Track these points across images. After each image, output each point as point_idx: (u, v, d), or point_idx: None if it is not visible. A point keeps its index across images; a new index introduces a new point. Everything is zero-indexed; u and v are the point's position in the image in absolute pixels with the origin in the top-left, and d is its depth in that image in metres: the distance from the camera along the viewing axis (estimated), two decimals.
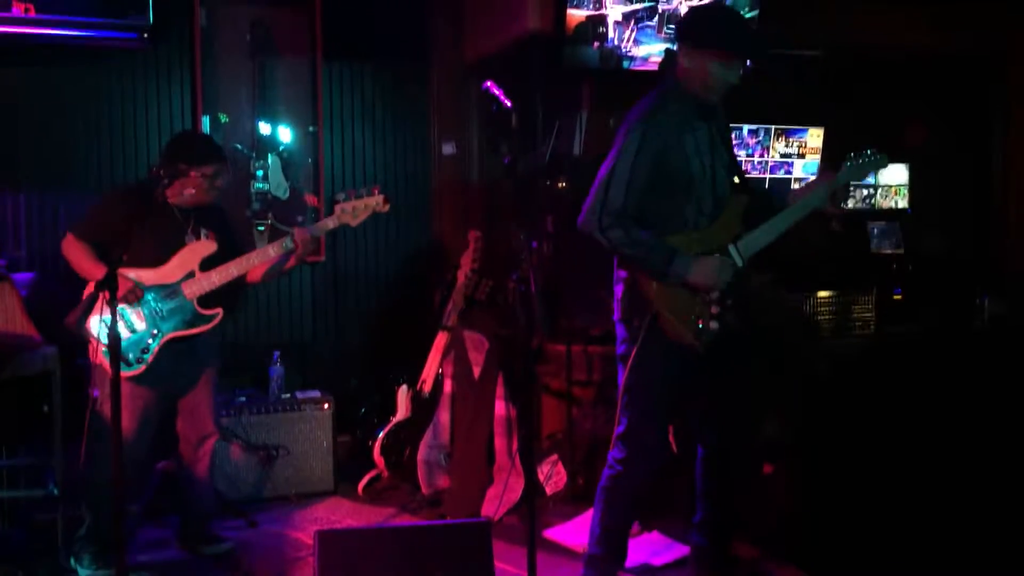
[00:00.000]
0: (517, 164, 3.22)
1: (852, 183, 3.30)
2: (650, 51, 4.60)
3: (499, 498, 4.18)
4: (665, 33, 4.60)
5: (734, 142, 4.98)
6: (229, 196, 4.81)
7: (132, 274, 3.50)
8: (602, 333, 4.23)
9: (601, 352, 4.32)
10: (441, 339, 4.56)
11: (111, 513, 3.37)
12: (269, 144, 4.98)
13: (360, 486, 4.57)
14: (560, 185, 4.78)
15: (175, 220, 3.64)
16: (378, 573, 2.85)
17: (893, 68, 5.61)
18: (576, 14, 4.38)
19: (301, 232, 3.66)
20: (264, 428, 4.48)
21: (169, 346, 3.58)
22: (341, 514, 4.35)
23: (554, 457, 4.45)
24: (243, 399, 4.52)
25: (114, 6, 4.29)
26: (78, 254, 3.56)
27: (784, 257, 3.51)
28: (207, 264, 3.63)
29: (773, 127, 5.16)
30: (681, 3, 4.60)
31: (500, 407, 4.37)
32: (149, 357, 3.53)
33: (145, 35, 4.39)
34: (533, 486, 3.75)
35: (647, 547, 3.79)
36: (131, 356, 3.48)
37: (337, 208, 3.70)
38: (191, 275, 3.61)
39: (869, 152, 3.21)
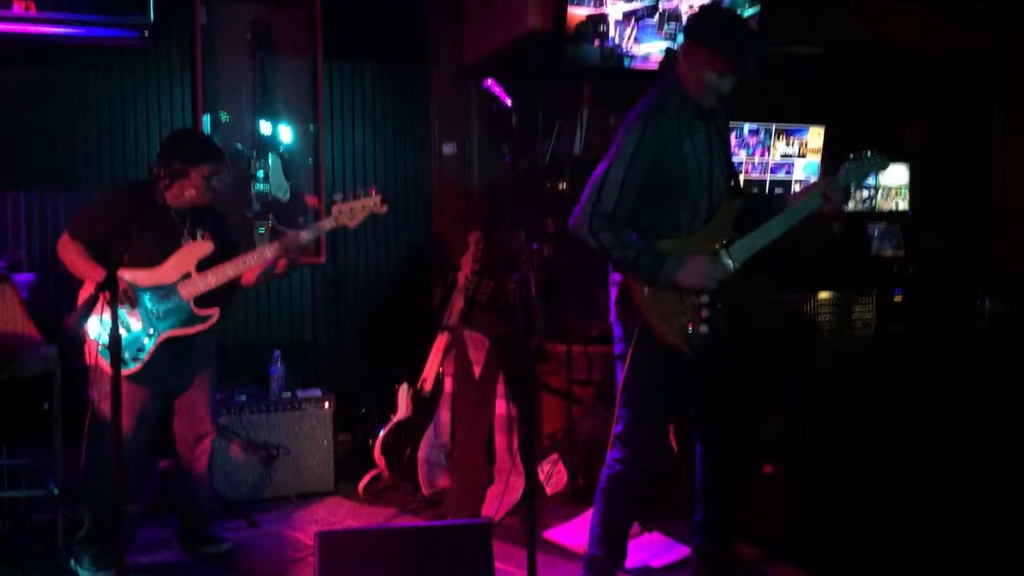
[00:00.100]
0: (517, 164, 3.22)
1: (854, 185, 3.25)
2: (651, 50, 4.60)
3: (499, 498, 4.18)
4: (666, 32, 4.60)
5: (734, 141, 5.00)
6: (230, 197, 4.83)
7: (128, 275, 3.49)
8: (602, 333, 4.23)
9: (601, 352, 4.32)
10: (442, 339, 4.56)
11: (111, 514, 3.38)
12: (270, 144, 4.98)
13: (360, 486, 4.57)
14: (560, 185, 4.78)
15: (172, 220, 3.62)
16: (378, 574, 2.85)
17: (893, 67, 5.61)
18: (577, 13, 4.38)
19: (285, 241, 3.64)
20: (264, 427, 4.48)
21: (165, 346, 3.57)
22: (341, 514, 4.35)
23: (554, 456, 4.45)
24: (243, 398, 4.51)
25: (115, 4, 4.29)
26: (74, 254, 3.54)
27: (785, 258, 3.50)
28: (203, 265, 3.62)
29: (774, 126, 5.15)
30: (682, 1, 4.60)
31: (500, 406, 4.37)
32: (145, 356, 3.52)
33: (146, 34, 4.39)
34: (533, 486, 3.75)
35: (647, 548, 3.79)
36: (127, 356, 3.47)
37: (334, 209, 3.67)
38: (187, 276, 3.60)
39: (869, 154, 3.18)
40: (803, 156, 5.24)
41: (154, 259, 3.57)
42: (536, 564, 2.88)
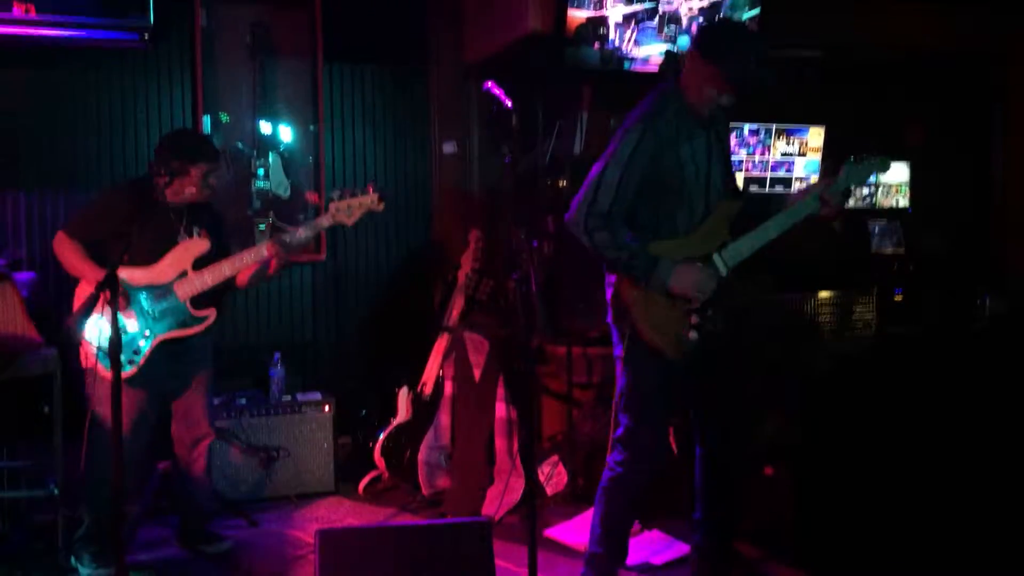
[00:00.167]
0: (517, 164, 3.23)
1: (854, 186, 3.23)
2: (650, 52, 4.60)
3: (500, 498, 4.18)
4: (665, 34, 4.61)
5: (734, 141, 5.00)
6: (230, 195, 4.84)
7: (123, 274, 3.44)
8: (602, 334, 4.22)
9: (601, 353, 4.32)
10: (442, 341, 4.56)
11: (111, 514, 3.38)
12: (270, 143, 4.98)
13: (361, 486, 4.57)
14: (560, 183, 4.78)
15: (168, 218, 3.60)
16: (379, 572, 2.84)
17: (893, 67, 5.62)
18: (577, 15, 4.38)
19: (281, 238, 3.64)
20: (265, 430, 4.48)
21: (161, 348, 3.56)
22: (342, 513, 4.35)
23: (554, 458, 4.45)
24: (244, 401, 4.51)
25: (115, 6, 4.30)
26: (70, 253, 3.52)
27: (785, 256, 3.50)
28: (200, 264, 3.61)
29: (774, 126, 5.16)
30: (681, 4, 4.60)
31: (500, 408, 4.37)
32: (140, 359, 3.51)
33: (146, 35, 4.40)
34: (533, 486, 3.75)
35: (648, 546, 3.79)
36: (122, 358, 3.45)
37: (332, 207, 3.65)
38: (184, 275, 3.58)
39: (870, 155, 3.17)
40: (803, 155, 5.24)
41: (150, 257, 3.55)
42: (537, 561, 2.88)
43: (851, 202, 5.36)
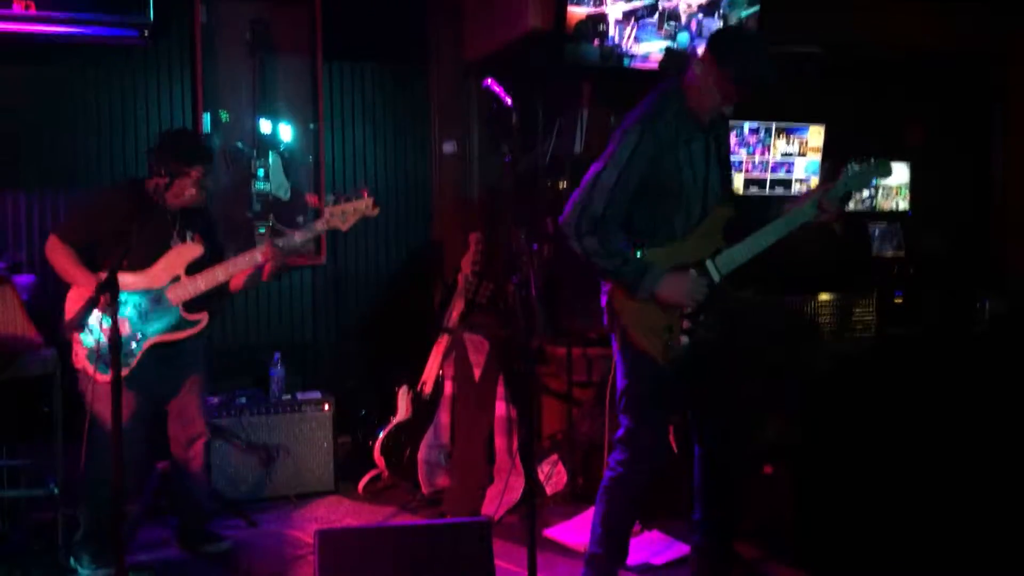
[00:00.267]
0: (517, 164, 3.22)
1: (855, 192, 3.21)
2: (650, 49, 4.59)
3: (499, 497, 4.18)
4: (665, 31, 4.60)
5: (734, 140, 4.99)
6: (230, 196, 4.83)
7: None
8: (601, 335, 4.22)
9: (601, 354, 4.32)
10: (441, 341, 4.56)
11: (109, 514, 3.37)
12: (270, 142, 4.98)
13: (360, 485, 4.57)
14: (561, 184, 4.78)
15: (162, 222, 3.59)
16: (378, 572, 2.84)
17: (893, 67, 5.61)
18: (576, 12, 4.38)
19: (276, 243, 3.62)
20: (264, 429, 4.48)
21: (153, 351, 3.55)
22: (341, 513, 4.35)
23: (554, 457, 4.45)
24: (243, 400, 4.51)
25: (115, 4, 4.30)
26: (62, 259, 3.51)
27: (785, 259, 3.50)
28: (193, 268, 3.60)
29: (774, 125, 5.15)
30: (680, 1, 4.60)
31: (500, 408, 4.37)
32: (132, 361, 3.49)
33: (145, 33, 4.40)
34: (533, 486, 3.75)
35: (648, 546, 3.79)
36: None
37: (326, 211, 3.65)
38: (176, 279, 3.57)
39: (871, 160, 3.15)
40: (803, 155, 5.24)
41: (143, 261, 3.54)
42: (536, 562, 2.88)
43: (851, 205, 5.39)
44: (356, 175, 5.17)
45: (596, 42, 4.45)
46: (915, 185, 5.54)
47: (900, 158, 5.50)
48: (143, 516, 4.05)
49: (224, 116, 4.88)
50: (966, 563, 3.33)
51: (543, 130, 4.84)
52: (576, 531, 3.91)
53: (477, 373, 4.35)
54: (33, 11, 4.17)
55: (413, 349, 4.74)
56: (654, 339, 3.01)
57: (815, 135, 5.24)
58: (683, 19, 4.62)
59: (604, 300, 3.14)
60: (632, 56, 4.57)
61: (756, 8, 4.71)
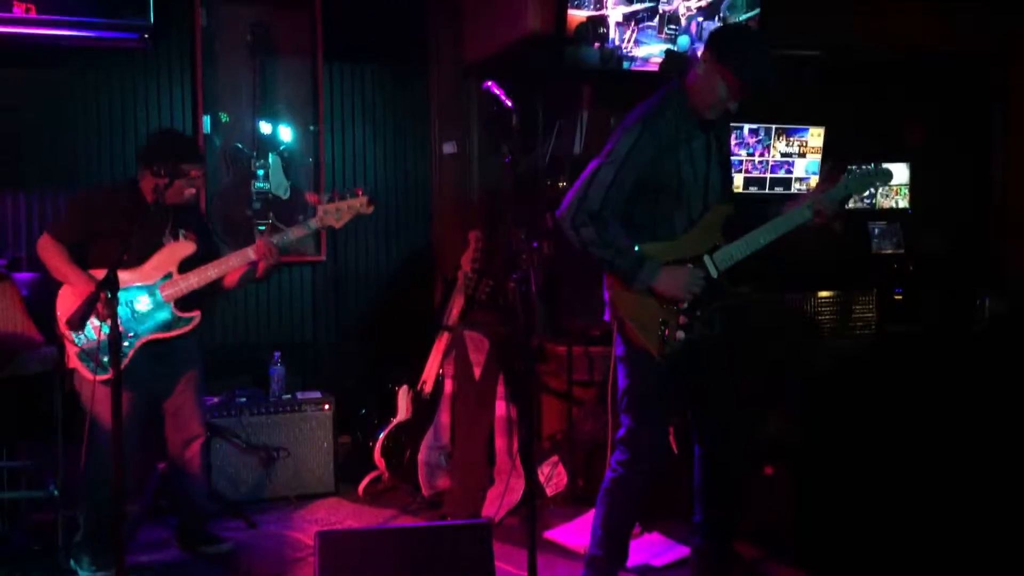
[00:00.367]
0: (517, 164, 3.22)
1: (854, 196, 3.21)
2: (650, 52, 4.60)
3: (500, 499, 4.18)
4: (665, 34, 4.60)
5: (734, 141, 4.99)
6: (230, 196, 4.84)
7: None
8: (602, 333, 4.23)
9: (602, 352, 4.31)
10: (441, 340, 4.56)
11: (109, 515, 3.37)
12: (270, 143, 4.98)
13: (361, 487, 4.57)
14: (561, 185, 4.78)
15: (155, 220, 3.59)
16: (379, 574, 2.85)
17: (893, 67, 5.61)
18: (577, 15, 4.38)
19: (268, 241, 3.62)
20: (264, 429, 4.48)
21: (145, 349, 3.54)
22: (341, 515, 4.35)
23: (555, 458, 4.44)
24: (243, 400, 4.51)
25: (114, 6, 4.30)
26: (55, 258, 3.50)
27: (785, 257, 3.50)
28: (185, 266, 3.59)
29: (774, 126, 5.15)
30: (680, 3, 4.60)
31: (500, 407, 4.37)
32: (124, 359, 3.47)
33: (146, 35, 4.40)
34: (534, 487, 3.75)
35: (648, 548, 3.79)
36: (105, 360, 3.37)
37: (320, 209, 3.66)
38: (168, 276, 3.57)
39: (872, 166, 3.15)
40: (803, 156, 5.24)
41: (135, 259, 3.53)
42: (536, 564, 2.88)
43: (851, 203, 5.38)
44: (356, 175, 5.18)
45: (596, 45, 4.45)
46: (915, 185, 5.53)
47: (900, 158, 5.50)
48: (143, 516, 4.05)
49: (224, 118, 4.89)
50: (966, 563, 3.32)
51: (543, 131, 4.84)
52: (576, 533, 3.91)
53: (477, 372, 4.35)
54: (34, 14, 4.18)
55: (413, 348, 4.74)
56: (650, 332, 3.02)
57: (815, 136, 5.24)
58: (683, 22, 4.63)
59: (607, 294, 3.15)
60: (632, 59, 4.57)
61: (756, 11, 4.71)
